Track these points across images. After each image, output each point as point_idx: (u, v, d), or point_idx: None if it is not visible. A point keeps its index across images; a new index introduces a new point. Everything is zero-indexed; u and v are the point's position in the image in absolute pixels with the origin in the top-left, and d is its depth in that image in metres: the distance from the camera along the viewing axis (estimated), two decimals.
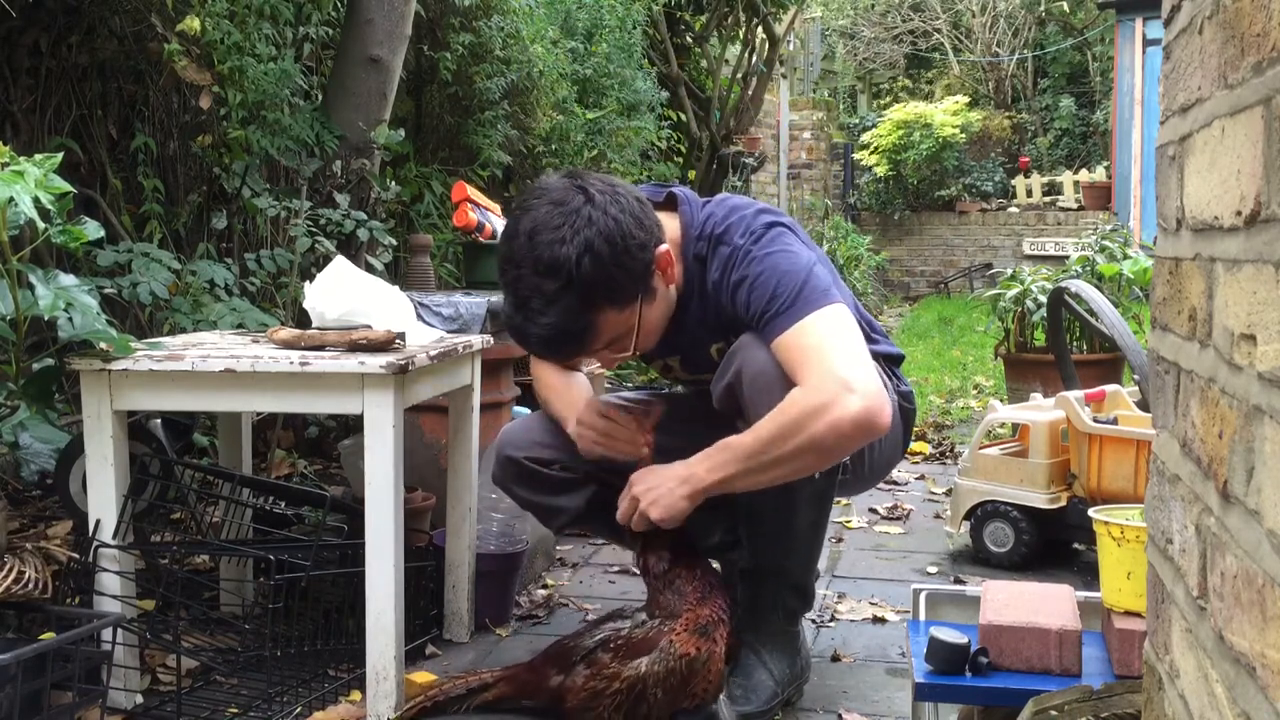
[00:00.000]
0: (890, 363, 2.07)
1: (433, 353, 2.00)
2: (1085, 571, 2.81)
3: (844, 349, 1.75)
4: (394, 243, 3.52)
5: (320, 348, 1.96)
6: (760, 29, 8.27)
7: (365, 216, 3.30)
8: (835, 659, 2.25)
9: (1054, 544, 2.91)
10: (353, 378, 1.87)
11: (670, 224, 1.93)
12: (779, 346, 1.78)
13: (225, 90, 3.16)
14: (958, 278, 12.77)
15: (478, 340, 2.30)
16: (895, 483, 3.88)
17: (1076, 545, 2.95)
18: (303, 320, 2.18)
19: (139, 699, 1.98)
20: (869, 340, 1.87)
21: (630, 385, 4.74)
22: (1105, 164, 12.88)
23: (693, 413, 2.05)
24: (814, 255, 1.88)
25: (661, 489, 1.79)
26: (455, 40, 4.36)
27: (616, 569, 2.86)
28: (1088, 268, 5.02)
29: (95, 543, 1.94)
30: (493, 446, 2.19)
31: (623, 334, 1.82)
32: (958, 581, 2.73)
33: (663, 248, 1.82)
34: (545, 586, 2.72)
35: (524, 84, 4.69)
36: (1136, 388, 3.06)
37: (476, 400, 2.35)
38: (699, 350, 2.01)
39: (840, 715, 1.98)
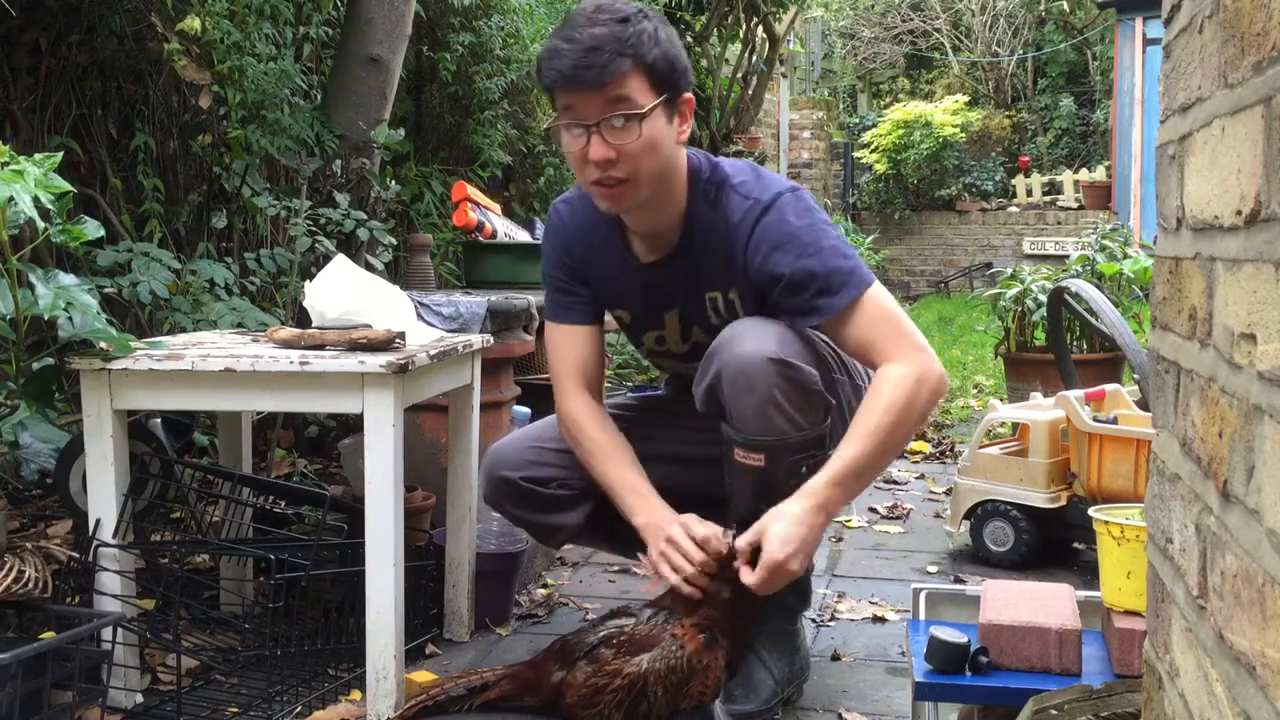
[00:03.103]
0: None
1: (433, 352, 2.00)
2: (1085, 571, 2.81)
3: (906, 318, 1.87)
4: (394, 242, 3.52)
5: (320, 347, 1.96)
6: (760, 28, 8.27)
7: (365, 216, 3.30)
8: (835, 658, 2.25)
9: (1054, 543, 2.91)
10: (353, 377, 1.87)
11: (681, 157, 1.93)
12: (848, 320, 1.83)
13: (225, 90, 3.16)
14: (958, 277, 12.77)
15: (478, 340, 2.30)
16: (895, 482, 3.88)
17: (1076, 545, 2.95)
18: (303, 319, 2.18)
19: (139, 698, 1.98)
20: None
21: (630, 384, 4.74)
22: (1105, 163, 12.88)
23: (694, 413, 2.04)
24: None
25: (809, 540, 1.74)
26: (455, 40, 4.36)
27: (616, 568, 2.86)
28: (1088, 267, 5.02)
29: (95, 542, 1.94)
30: (483, 466, 2.15)
31: (635, 104, 1.78)
32: (958, 581, 2.73)
33: (689, 96, 1.88)
34: (545, 586, 2.72)
35: (524, 84, 4.70)
36: (1136, 387, 3.06)
37: (476, 400, 2.35)
38: (696, 302, 1.98)
39: (840, 715, 1.98)
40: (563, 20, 1.85)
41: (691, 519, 1.83)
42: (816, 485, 1.76)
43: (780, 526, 1.72)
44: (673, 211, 1.92)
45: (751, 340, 1.82)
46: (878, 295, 1.85)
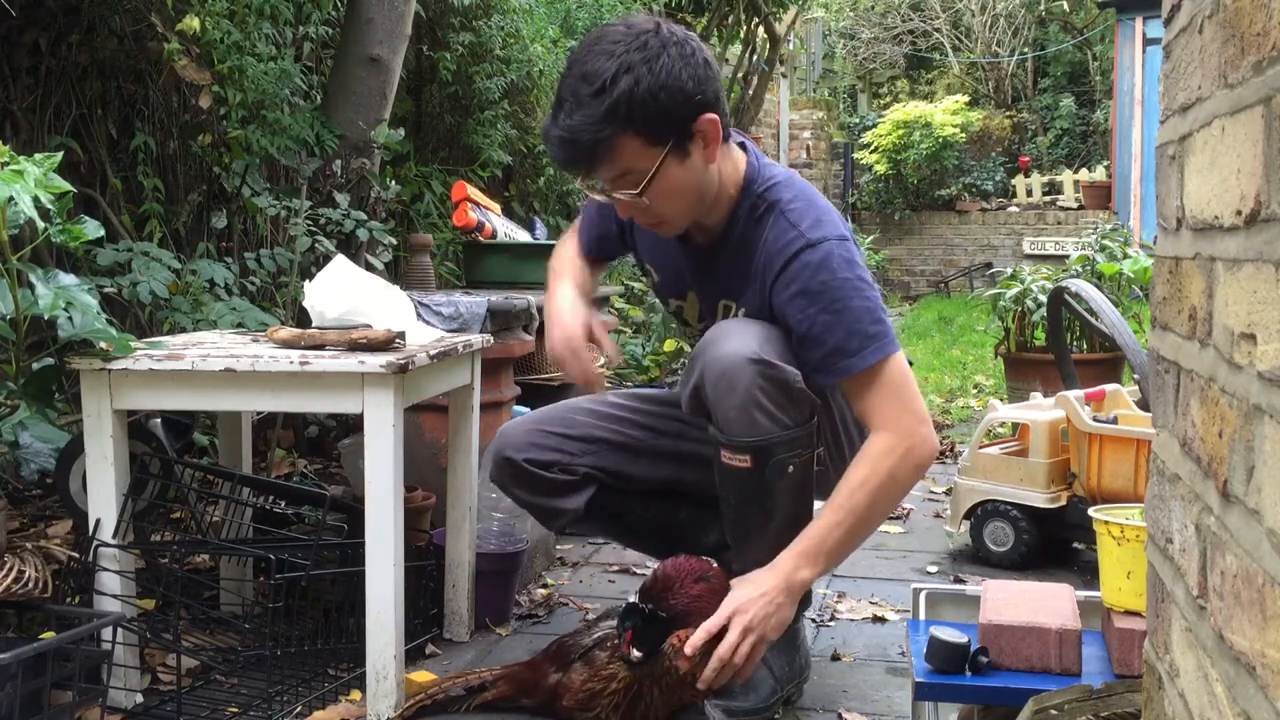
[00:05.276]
0: None
1: (433, 352, 2.00)
2: (1085, 571, 2.81)
3: (914, 388, 1.86)
4: (394, 242, 3.53)
5: (320, 347, 1.96)
6: (761, 28, 8.28)
7: (365, 216, 3.30)
8: (835, 658, 2.25)
9: (1054, 543, 2.91)
10: (353, 377, 1.87)
11: (738, 159, 1.92)
12: (858, 385, 1.83)
13: (225, 90, 3.16)
14: (958, 277, 12.77)
15: (478, 340, 2.30)
16: None
17: (1076, 545, 2.95)
18: (303, 319, 2.18)
19: (139, 698, 1.98)
20: None
21: (629, 385, 4.74)
22: (1105, 163, 12.88)
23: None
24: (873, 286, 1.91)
25: (772, 610, 1.76)
26: (455, 40, 4.36)
27: (616, 568, 2.86)
28: (1088, 267, 5.02)
29: (95, 542, 1.94)
30: (491, 446, 2.18)
31: (637, 171, 1.77)
32: (958, 581, 2.73)
33: (710, 115, 1.78)
34: (545, 586, 2.72)
35: (524, 84, 4.70)
36: (1136, 387, 3.06)
37: (476, 400, 2.35)
38: (711, 300, 2.01)
39: (840, 714, 1.98)
40: (561, 76, 1.81)
41: (594, 323, 1.98)
42: (784, 558, 1.80)
43: (742, 590, 1.78)
44: (716, 216, 1.93)
45: (733, 341, 1.82)
46: (895, 364, 1.82)
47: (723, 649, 1.72)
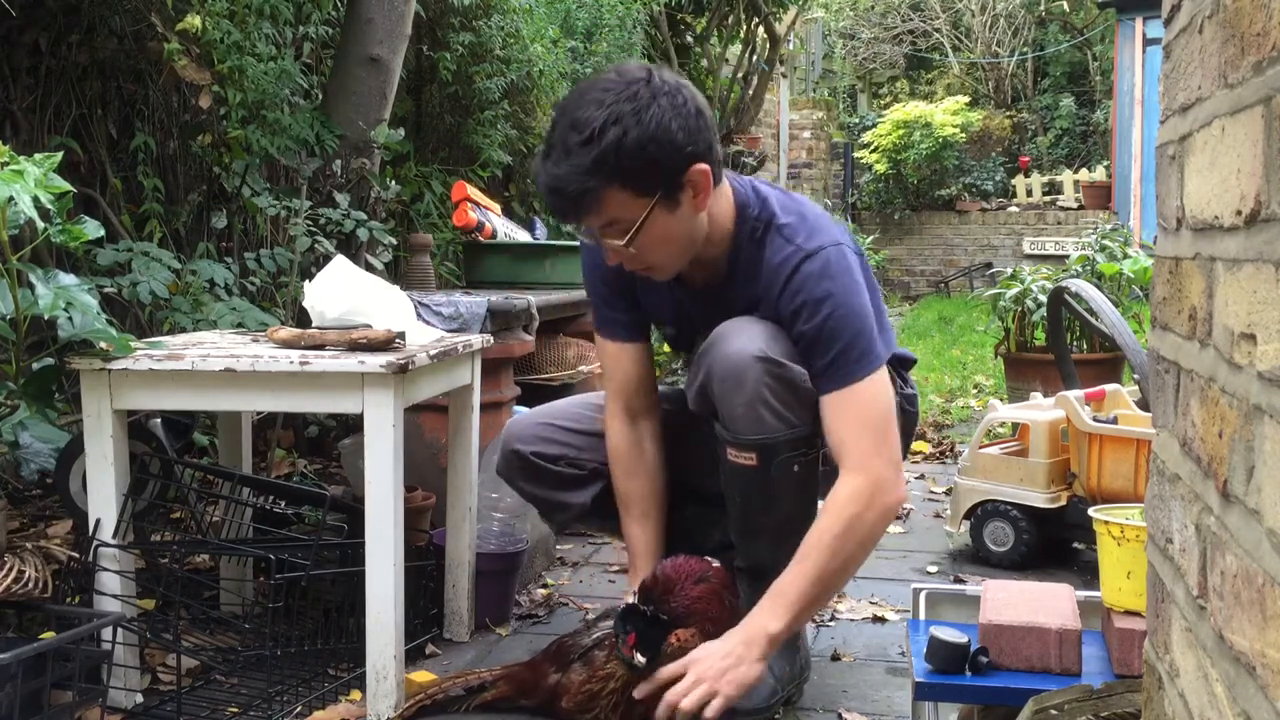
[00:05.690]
0: (900, 365, 2.09)
1: (433, 352, 2.00)
2: (1085, 571, 2.81)
3: (891, 422, 1.83)
4: (394, 242, 3.52)
5: (320, 347, 1.96)
6: (761, 28, 8.28)
7: (365, 216, 3.29)
8: (835, 658, 2.25)
9: (1054, 543, 2.91)
10: (353, 377, 1.87)
11: (725, 190, 1.91)
12: (841, 401, 1.81)
13: (225, 90, 3.16)
14: (958, 277, 12.77)
15: (478, 340, 2.29)
16: None
17: (1076, 545, 2.95)
18: (303, 320, 2.18)
19: (139, 698, 1.98)
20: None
21: None
22: (1105, 163, 12.88)
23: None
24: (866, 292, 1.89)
25: (729, 663, 1.73)
26: (455, 40, 4.35)
27: (616, 568, 2.86)
28: (1088, 267, 5.03)
29: (95, 542, 1.94)
30: (496, 440, 2.18)
31: (624, 221, 1.77)
32: (957, 581, 2.73)
33: (701, 166, 1.78)
34: (545, 586, 2.72)
35: (524, 84, 4.69)
36: (1136, 387, 3.06)
37: (476, 400, 2.35)
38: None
39: (840, 714, 1.98)
40: (552, 120, 1.80)
41: None
42: (751, 615, 1.78)
43: (708, 644, 1.76)
44: (717, 252, 1.92)
45: (739, 339, 1.82)
46: (877, 384, 1.81)
47: (671, 693, 1.71)
